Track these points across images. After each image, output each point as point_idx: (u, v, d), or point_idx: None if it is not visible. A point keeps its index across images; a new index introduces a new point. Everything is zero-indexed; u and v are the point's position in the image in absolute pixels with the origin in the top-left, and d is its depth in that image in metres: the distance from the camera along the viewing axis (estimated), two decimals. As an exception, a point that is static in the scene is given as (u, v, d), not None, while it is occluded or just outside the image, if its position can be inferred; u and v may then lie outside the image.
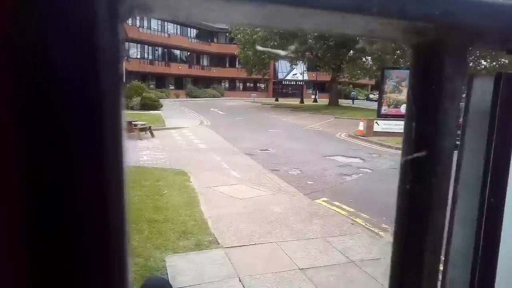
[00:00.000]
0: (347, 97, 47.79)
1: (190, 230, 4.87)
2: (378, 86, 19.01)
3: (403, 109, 15.52)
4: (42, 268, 0.20)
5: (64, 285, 0.20)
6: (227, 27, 38.30)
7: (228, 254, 4.28)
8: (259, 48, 27.57)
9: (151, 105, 23.94)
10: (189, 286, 3.56)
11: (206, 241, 4.60)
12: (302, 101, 39.82)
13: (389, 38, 0.31)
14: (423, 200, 0.30)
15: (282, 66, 48.82)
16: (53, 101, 0.19)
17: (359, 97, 53.90)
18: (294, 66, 41.06)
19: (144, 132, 13.09)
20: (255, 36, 30.72)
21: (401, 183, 0.31)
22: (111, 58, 0.20)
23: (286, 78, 51.61)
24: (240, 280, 3.71)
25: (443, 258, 0.34)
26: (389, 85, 15.67)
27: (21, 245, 0.20)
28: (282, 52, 25.39)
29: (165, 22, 43.74)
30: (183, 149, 11.29)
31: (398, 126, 14.79)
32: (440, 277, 0.33)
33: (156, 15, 0.24)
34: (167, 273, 3.75)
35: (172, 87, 45.87)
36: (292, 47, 25.69)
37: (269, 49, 25.62)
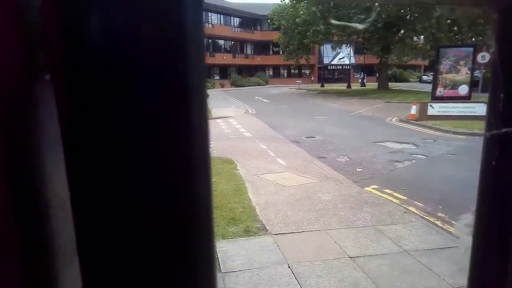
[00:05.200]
0: (396, 80, 45.33)
1: (239, 216, 4.97)
2: (432, 67, 17.78)
3: (461, 90, 14.42)
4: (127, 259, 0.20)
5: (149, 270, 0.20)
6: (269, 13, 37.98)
7: (276, 241, 4.31)
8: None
9: (197, 95, 24.58)
10: (240, 271, 3.65)
11: (255, 227, 4.67)
12: (349, 86, 38.51)
13: (472, 2, 0.27)
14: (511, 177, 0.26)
15: (328, 51, 47.38)
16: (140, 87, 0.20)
17: (410, 79, 50.91)
18: (339, 49, 39.56)
19: (192, 122, 13.51)
20: (298, 19, 30.09)
21: (486, 159, 0.26)
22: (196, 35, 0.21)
23: (331, 62, 50.13)
24: (289, 267, 3.73)
25: None
26: (445, 64, 14.58)
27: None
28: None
29: (209, 13, 44.32)
30: (230, 138, 11.49)
31: (456, 108, 13.77)
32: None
33: None
34: (218, 258, 3.87)
35: (217, 77, 46.66)
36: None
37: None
